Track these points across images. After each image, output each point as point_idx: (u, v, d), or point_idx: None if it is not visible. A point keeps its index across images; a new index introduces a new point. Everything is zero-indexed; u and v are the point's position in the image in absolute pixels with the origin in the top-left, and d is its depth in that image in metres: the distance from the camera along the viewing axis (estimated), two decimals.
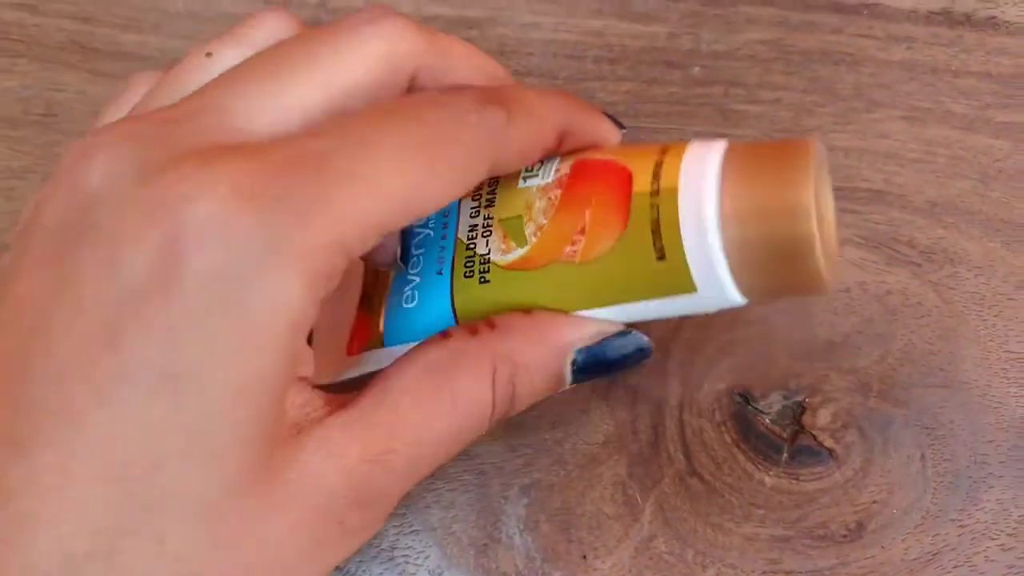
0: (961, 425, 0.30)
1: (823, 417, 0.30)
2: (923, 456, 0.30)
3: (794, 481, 0.30)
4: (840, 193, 0.31)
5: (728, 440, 0.30)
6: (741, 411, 0.30)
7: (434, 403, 0.23)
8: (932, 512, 0.30)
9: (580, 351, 0.24)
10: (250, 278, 0.18)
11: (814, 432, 0.30)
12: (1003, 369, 0.30)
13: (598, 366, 0.25)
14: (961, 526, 0.30)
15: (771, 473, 0.30)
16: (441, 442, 0.23)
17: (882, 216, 0.31)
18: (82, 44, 0.33)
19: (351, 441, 0.21)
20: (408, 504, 0.30)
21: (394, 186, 0.20)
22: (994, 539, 0.29)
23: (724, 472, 0.30)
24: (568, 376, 0.25)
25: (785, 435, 0.30)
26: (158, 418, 0.18)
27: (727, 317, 0.31)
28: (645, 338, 0.25)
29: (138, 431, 0.18)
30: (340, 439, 0.21)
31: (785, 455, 0.30)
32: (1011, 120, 0.32)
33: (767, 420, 0.30)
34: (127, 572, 0.18)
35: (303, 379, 0.22)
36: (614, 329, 0.25)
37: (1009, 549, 0.29)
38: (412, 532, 0.30)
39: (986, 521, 0.30)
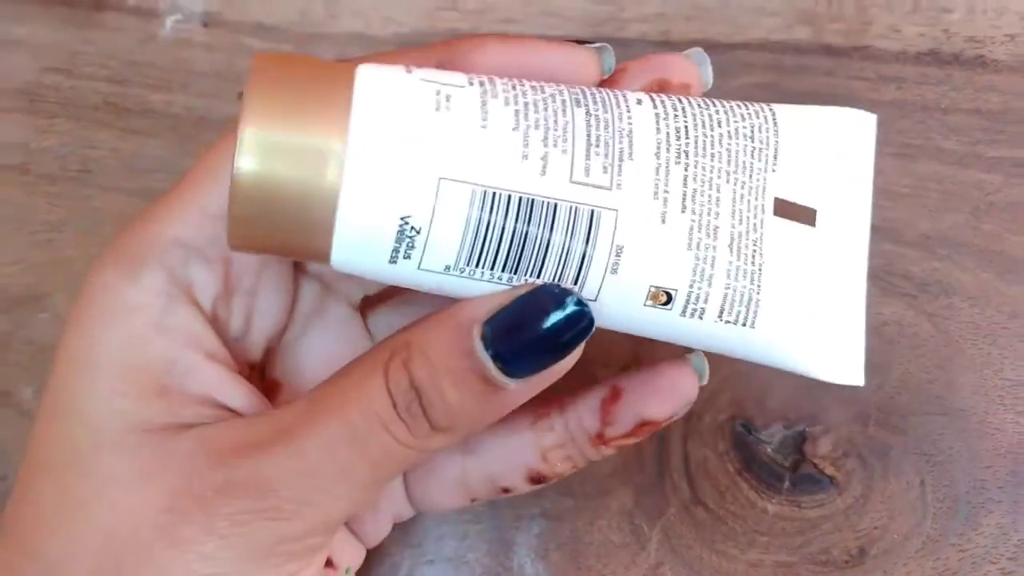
0: (959, 451, 0.31)
1: (824, 446, 0.31)
2: (923, 482, 0.31)
3: (796, 508, 0.31)
4: None
5: (731, 469, 0.31)
6: (743, 441, 0.31)
7: (323, 400, 0.22)
8: (933, 537, 0.30)
9: (487, 322, 0.20)
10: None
11: (815, 460, 0.31)
12: (999, 396, 0.31)
13: (519, 338, 0.20)
14: (961, 551, 0.30)
15: (774, 501, 0.31)
16: (332, 445, 0.21)
17: (877, 249, 0.32)
18: (115, 104, 0.35)
19: (228, 434, 0.22)
20: (423, 534, 0.31)
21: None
22: (994, 563, 0.30)
23: (728, 500, 0.31)
24: (485, 359, 0.20)
25: (787, 464, 0.31)
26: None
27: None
28: (570, 296, 0.21)
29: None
30: (219, 433, 0.22)
31: (787, 483, 0.31)
32: (1001, 155, 0.33)
33: (769, 449, 0.31)
34: None
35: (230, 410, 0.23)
36: (524, 289, 0.21)
37: (1009, 573, 0.30)
38: (427, 562, 0.31)
39: (986, 545, 0.30)
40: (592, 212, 0.21)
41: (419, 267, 0.21)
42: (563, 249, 0.21)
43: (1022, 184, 0.33)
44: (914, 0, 0.34)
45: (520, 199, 0.20)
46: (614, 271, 0.21)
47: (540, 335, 0.20)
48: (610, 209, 0.21)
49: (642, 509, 0.31)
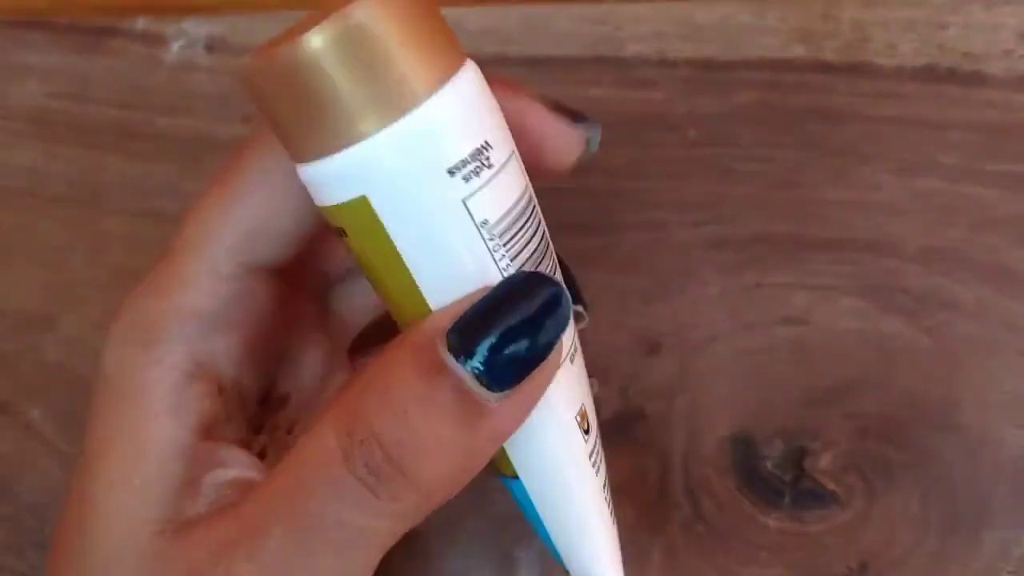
0: (960, 466, 0.31)
1: (824, 461, 0.31)
2: (924, 497, 0.31)
3: (798, 524, 0.31)
4: (835, 244, 0.33)
5: (732, 485, 0.31)
6: (744, 457, 0.31)
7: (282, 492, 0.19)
8: (935, 552, 0.30)
9: (452, 331, 0.18)
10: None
11: (816, 475, 0.31)
12: (1000, 411, 0.31)
13: (492, 337, 0.18)
14: (963, 566, 0.30)
15: (774, 516, 0.31)
16: (294, 547, 0.19)
17: (876, 265, 0.33)
18: (122, 128, 0.35)
19: (218, 528, 0.20)
20: (427, 553, 0.31)
21: None
22: None
23: (729, 517, 0.31)
24: (457, 369, 0.18)
25: (787, 479, 0.31)
26: None
27: (728, 366, 0.32)
28: (541, 280, 0.19)
29: None
30: (216, 526, 0.20)
31: (788, 499, 0.31)
32: (998, 170, 0.33)
33: (769, 465, 0.31)
34: None
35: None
36: (486, 289, 0.19)
37: None
38: None
39: (988, 560, 0.30)
40: None
41: (467, 198, 0.19)
42: None
43: (1020, 199, 0.33)
44: (909, 17, 0.34)
45: None
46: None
47: (515, 328, 0.18)
48: None
49: (643, 525, 0.31)
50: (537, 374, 0.18)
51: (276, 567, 0.18)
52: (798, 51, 0.34)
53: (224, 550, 0.19)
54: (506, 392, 0.18)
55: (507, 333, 0.18)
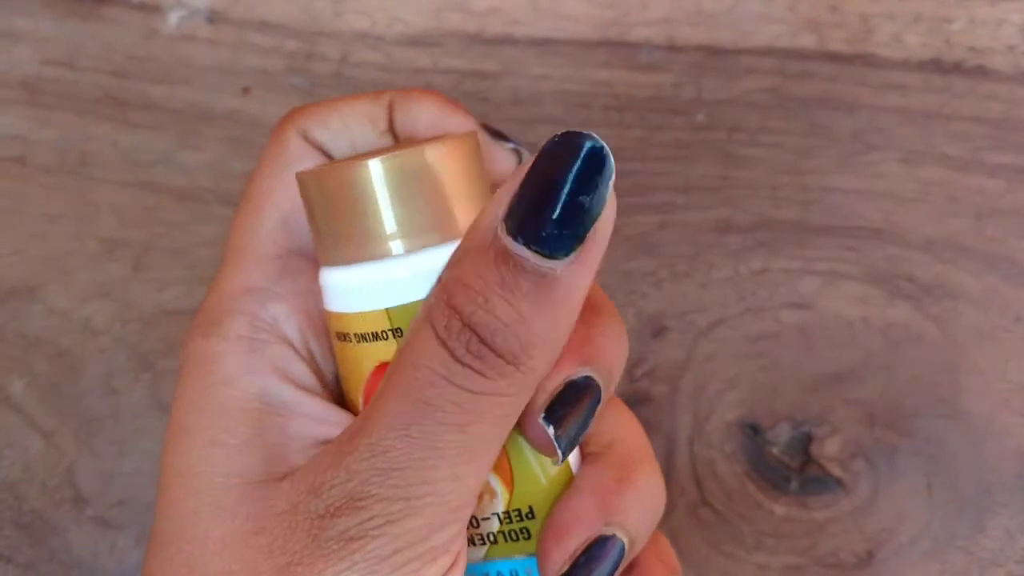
0: (966, 454, 0.31)
1: (831, 447, 0.31)
2: (929, 485, 0.31)
3: (804, 510, 0.30)
4: (841, 231, 0.33)
5: (738, 471, 0.31)
6: (750, 442, 0.31)
7: (387, 380, 0.20)
8: (940, 540, 0.30)
9: (507, 217, 0.19)
10: None
11: (822, 462, 0.31)
12: (1005, 399, 0.31)
13: (546, 208, 0.19)
14: (968, 553, 0.30)
15: (781, 502, 0.31)
16: (406, 424, 0.19)
17: (882, 253, 0.32)
18: (116, 97, 0.34)
19: (318, 462, 0.20)
20: None
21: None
22: (1001, 566, 0.30)
23: (735, 502, 0.31)
24: (520, 250, 0.19)
25: (794, 465, 0.31)
26: None
27: (734, 350, 0.32)
28: (578, 135, 0.19)
29: None
30: (312, 466, 0.20)
31: (794, 484, 0.31)
32: (1003, 162, 0.33)
33: (776, 451, 0.31)
34: None
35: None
36: (527, 165, 0.19)
37: None
38: None
39: (993, 549, 0.30)
40: None
41: None
42: None
43: None
44: (916, 10, 0.34)
45: None
46: None
47: (564, 192, 0.18)
48: None
49: None
50: (595, 231, 0.19)
51: (399, 455, 0.19)
52: (805, 40, 0.34)
53: (342, 451, 0.19)
54: (570, 257, 0.19)
55: (559, 199, 0.18)
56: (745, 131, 0.34)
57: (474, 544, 0.22)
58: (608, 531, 0.21)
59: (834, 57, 0.34)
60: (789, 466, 0.31)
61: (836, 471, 0.31)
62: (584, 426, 0.21)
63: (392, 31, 0.35)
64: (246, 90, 0.34)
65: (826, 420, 0.31)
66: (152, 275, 0.33)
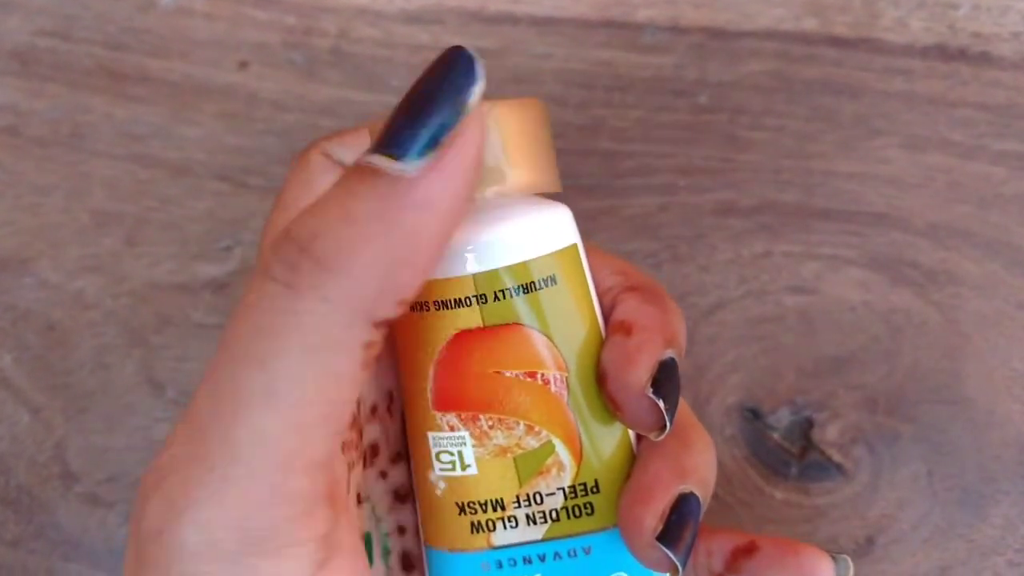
0: (967, 441, 0.31)
1: (831, 432, 0.31)
2: (930, 472, 0.30)
3: (804, 496, 0.30)
4: (844, 215, 0.32)
5: (738, 455, 0.30)
6: (750, 426, 0.31)
7: None
8: (941, 527, 0.30)
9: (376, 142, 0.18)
10: None
11: (823, 447, 0.30)
12: (1007, 387, 0.31)
13: (396, 116, 0.18)
14: (969, 541, 0.30)
15: (781, 488, 0.30)
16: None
17: (885, 238, 0.32)
18: (110, 69, 0.34)
19: None
20: None
21: None
22: (1002, 555, 0.30)
23: (735, 487, 0.30)
24: (366, 158, 0.18)
25: (794, 450, 0.30)
26: None
27: (735, 333, 0.31)
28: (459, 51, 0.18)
29: None
30: None
31: (795, 470, 0.30)
32: (1007, 148, 0.33)
33: (776, 436, 0.31)
34: None
35: None
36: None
37: (1017, 564, 0.30)
38: None
39: (994, 536, 0.30)
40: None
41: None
42: None
43: None
44: None
45: None
46: None
47: (417, 92, 0.18)
48: None
49: None
50: (455, 137, 0.18)
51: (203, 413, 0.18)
52: (809, 24, 0.34)
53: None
54: (424, 159, 0.17)
55: (406, 107, 0.18)
56: (748, 114, 0.33)
57: (535, 523, 0.22)
58: (686, 489, 0.21)
59: (838, 41, 0.34)
60: (789, 451, 0.30)
61: (837, 457, 0.30)
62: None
63: (392, 7, 0.34)
64: (243, 64, 0.34)
65: (827, 405, 0.31)
66: (144, 249, 0.33)
